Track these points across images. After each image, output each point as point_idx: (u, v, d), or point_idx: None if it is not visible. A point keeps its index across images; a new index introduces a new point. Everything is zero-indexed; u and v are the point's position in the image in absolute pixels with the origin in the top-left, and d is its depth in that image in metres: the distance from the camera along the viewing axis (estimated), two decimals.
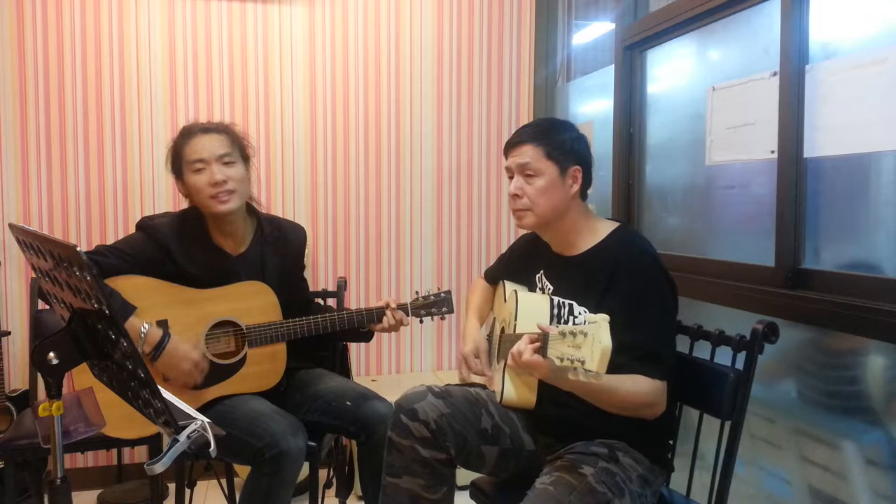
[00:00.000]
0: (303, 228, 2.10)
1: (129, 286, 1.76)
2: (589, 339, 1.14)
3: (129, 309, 1.71)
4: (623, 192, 2.51)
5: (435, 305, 2.00)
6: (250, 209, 1.97)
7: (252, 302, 1.88)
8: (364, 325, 1.95)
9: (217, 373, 1.83)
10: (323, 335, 1.93)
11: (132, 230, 1.90)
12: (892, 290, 1.48)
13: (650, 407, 1.44)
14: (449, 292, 2.03)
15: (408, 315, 1.98)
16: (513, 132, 1.66)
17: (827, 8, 1.68)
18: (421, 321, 2.02)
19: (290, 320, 1.90)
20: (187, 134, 1.87)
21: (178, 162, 1.87)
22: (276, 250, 1.98)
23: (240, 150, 1.90)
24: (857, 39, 1.62)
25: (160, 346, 1.73)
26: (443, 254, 3.14)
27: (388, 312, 1.93)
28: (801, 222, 1.74)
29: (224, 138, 1.87)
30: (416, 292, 2.04)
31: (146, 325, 1.72)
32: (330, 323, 1.92)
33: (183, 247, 1.83)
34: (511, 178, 1.62)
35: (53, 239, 1.09)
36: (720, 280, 1.96)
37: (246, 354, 1.86)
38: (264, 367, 1.89)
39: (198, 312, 1.83)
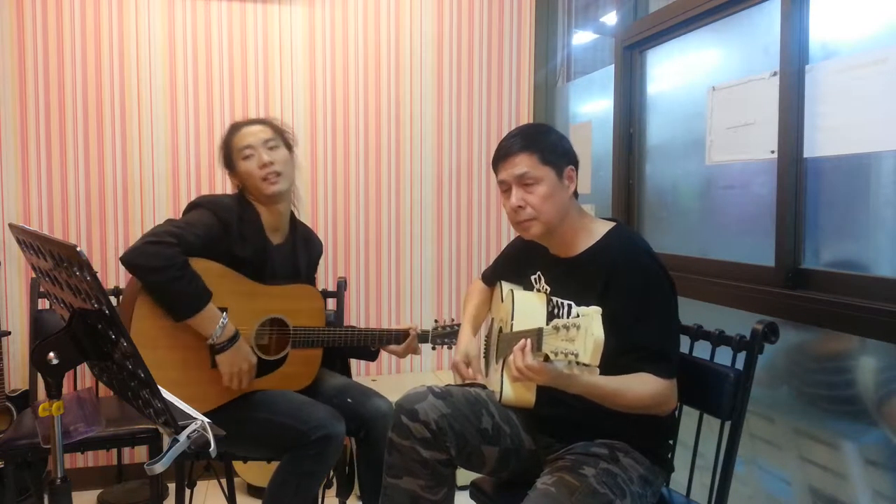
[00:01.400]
0: (321, 242, 2.23)
1: (201, 269, 1.81)
2: (581, 332, 1.14)
3: (207, 294, 1.79)
4: (623, 192, 2.51)
5: (449, 336, 2.08)
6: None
7: (302, 304, 1.96)
8: (392, 342, 2.03)
9: (260, 366, 1.89)
10: (355, 347, 2.02)
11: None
12: (892, 290, 1.48)
13: (659, 407, 1.44)
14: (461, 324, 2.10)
15: (427, 341, 2.07)
16: (497, 145, 1.62)
17: (827, 8, 1.68)
18: (434, 348, 2.11)
19: (333, 329, 1.99)
20: (235, 128, 2.01)
21: (229, 154, 1.98)
22: (305, 248, 2.09)
23: (282, 138, 2.01)
24: (857, 39, 1.62)
25: (232, 342, 1.81)
26: (443, 254, 3.14)
27: (410, 336, 2.03)
28: (801, 222, 1.74)
29: (267, 128, 1.99)
30: (436, 321, 2.11)
31: (225, 318, 1.80)
32: (366, 337, 2.01)
33: (240, 226, 1.90)
34: (505, 191, 1.58)
35: (53, 239, 1.09)
36: (720, 280, 1.96)
37: (288, 354, 1.93)
38: (300, 368, 1.95)
39: (254, 306, 1.89)
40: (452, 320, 2.11)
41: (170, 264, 1.72)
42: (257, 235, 1.94)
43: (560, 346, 1.19)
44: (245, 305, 1.87)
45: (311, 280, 2.15)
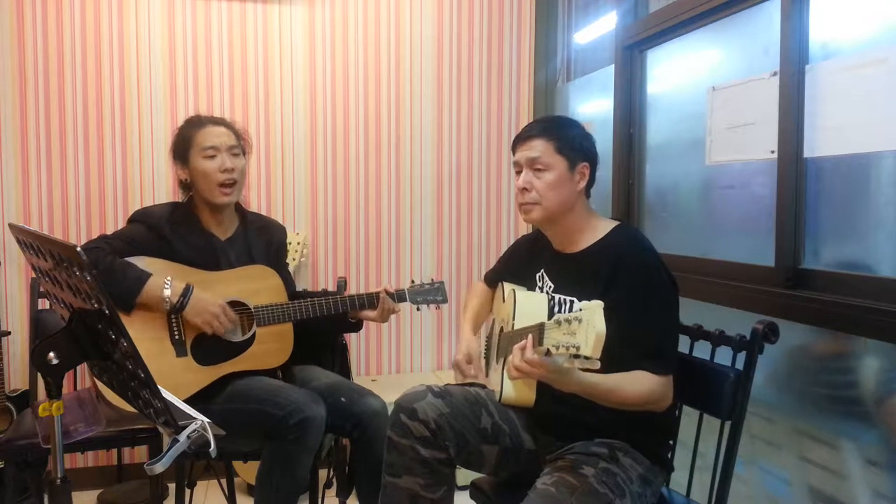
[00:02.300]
0: (284, 227, 2.20)
1: (144, 265, 1.82)
2: (584, 325, 1.14)
3: (145, 274, 1.80)
4: (623, 192, 2.51)
5: (430, 293, 2.07)
6: (236, 203, 2.08)
7: (259, 284, 1.96)
8: (365, 307, 2.00)
9: (227, 350, 1.89)
10: (326, 316, 1.98)
11: (102, 234, 1.96)
12: (892, 290, 1.48)
13: (655, 403, 1.44)
14: (441, 282, 2.10)
15: (405, 300, 2.04)
16: (517, 131, 1.67)
17: (827, 8, 1.68)
18: (418, 308, 2.09)
19: (296, 301, 1.96)
20: (198, 123, 1.98)
21: (186, 148, 1.95)
22: (261, 237, 2.08)
23: (241, 145, 2.01)
24: (857, 39, 1.62)
25: (186, 294, 1.81)
26: (443, 254, 3.14)
27: (381, 297, 1.99)
28: (801, 222, 1.74)
29: (231, 132, 1.98)
30: (412, 281, 2.10)
31: (169, 279, 1.80)
32: (333, 304, 1.98)
33: (174, 229, 1.91)
34: (519, 172, 1.62)
35: (53, 239, 1.09)
36: (720, 280, 1.96)
37: (255, 333, 1.93)
38: (272, 345, 1.95)
39: (210, 292, 1.88)
40: (431, 279, 2.11)
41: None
42: (199, 234, 1.95)
43: (562, 340, 1.19)
44: None
45: (281, 266, 2.12)
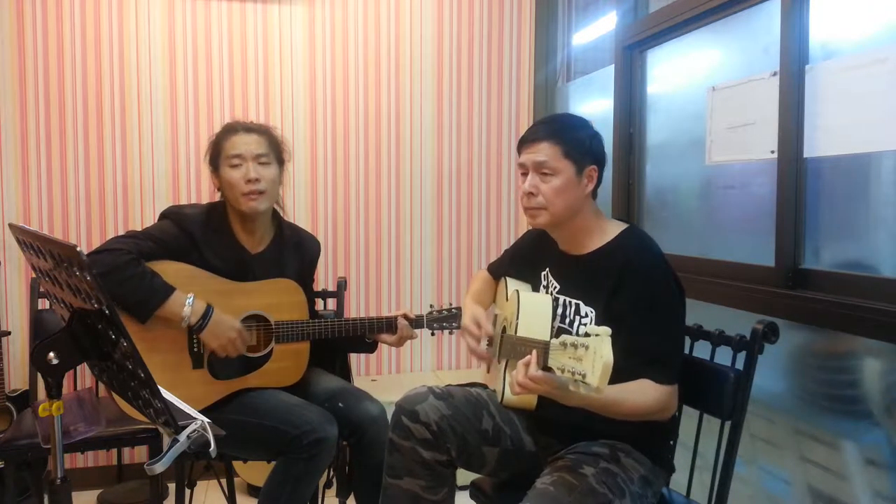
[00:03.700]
0: (318, 242, 2.15)
1: (169, 271, 1.80)
2: (590, 353, 1.12)
3: (169, 288, 1.76)
4: (623, 192, 2.51)
5: (447, 320, 2.04)
6: (273, 213, 2.02)
7: (282, 299, 1.93)
8: (383, 331, 1.98)
9: (245, 364, 1.88)
10: (345, 337, 1.97)
11: (132, 230, 1.92)
12: (892, 290, 1.48)
13: (660, 413, 1.42)
14: (459, 308, 2.05)
15: (423, 326, 2.02)
16: (517, 130, 1.64)
17: (827, 8, 1.68)
18: (433, 333, 2.06)
19: (317, 320, 1.95)
20: (230, 130, 1.94)
21: (217, 155, 1.92)
22: (295, 254, 2.03)
23: (276, 153, 1.96)
24: (857, 39, 1.62)
25: (206, 316, 1.78)
26: (443, 254, 3.14)
27: (400, 324, 1.97)
28: (801, 222, 1.74)
29: (263, 140, 1.93)
30: (431, 306, 2.06)
31: (191, 296, 1.77)
32: (352, 326, 1.96)
33: (206, 236, 1.88)
34: (524, 174, 1.58)
35: (53, 239, 1.09)
36: (720, 280, 1.96)
37: (273, 349, 1.91)
38: (288, 363, 1.93)
39: (230, 303, 1.86)
40: (450, 304, 2.07)
41: (112, 269, 1.69)
42: (230, 246, 1.91)
43: (567, 364, 1.17)
44: (222, 304, 1.83)
45: (307, 284, 2.09)
